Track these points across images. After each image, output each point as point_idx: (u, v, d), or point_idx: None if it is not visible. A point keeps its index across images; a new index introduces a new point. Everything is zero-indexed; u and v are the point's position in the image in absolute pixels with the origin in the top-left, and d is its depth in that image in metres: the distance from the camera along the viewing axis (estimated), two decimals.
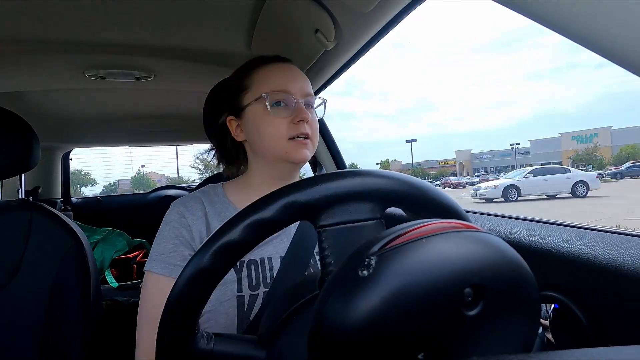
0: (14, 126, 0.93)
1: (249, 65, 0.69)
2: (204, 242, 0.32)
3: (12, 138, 0.92)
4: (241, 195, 0.69)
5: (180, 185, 2.63)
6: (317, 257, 0.66)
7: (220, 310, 0.58)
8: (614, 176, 22.46)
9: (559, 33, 0.34)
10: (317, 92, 1.26)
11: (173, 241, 0.61)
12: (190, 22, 0.89)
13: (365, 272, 0.23)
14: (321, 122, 1.39)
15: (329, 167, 1.40)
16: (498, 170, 45.92)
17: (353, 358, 0.23)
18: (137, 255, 1.99)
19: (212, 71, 1.11)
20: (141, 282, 0.60)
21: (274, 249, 0.64)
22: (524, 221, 0.72)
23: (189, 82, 1.29)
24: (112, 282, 1.83)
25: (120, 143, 2.40)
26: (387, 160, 58.24)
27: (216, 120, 0.72)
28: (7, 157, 0.91)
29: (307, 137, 0.64)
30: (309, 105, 0.67)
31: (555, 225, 0.66)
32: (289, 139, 0.63)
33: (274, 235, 0.64)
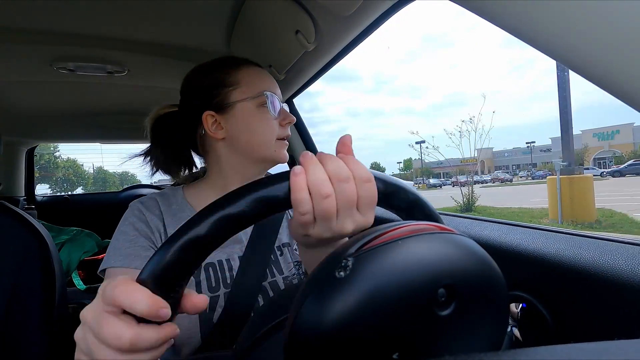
0: None
1: (231, 62, 0.68)
2: (171, 234, 0.30)
3: None
4: (202, 197, 0.68)
5: (153, 184, 2.55)
6: (278, 253, 0.68)
7: (181, 315, 0.57)
8: (613, 174, 23.45)
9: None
10: (296, 93, 1.26)
11: (132, 233, 0.60)
12: (168, 17, 0.87)
13: (342, 273, 0.23)
14: (299, 120, 1.40)
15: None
16: (520, 168, 47.04)
17: (328, 359, 0.23)
18: None
19: (189, 69, 1.09)
20: None
21: (231, 250, 0.65)
22: (495, 224, 0.75)
23: (165, 79, 1.26)
24: (80, 285, 1.75)
25: (90, 140, 2.30)
26: (410, 159, 57.84)
27: (188, 116, 0.69)
28: None
29: (285, 138, 0.68)
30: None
31: (525, 228, 0.69)
32: (278, 139, 0.66)
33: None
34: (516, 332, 0.58)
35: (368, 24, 0.76)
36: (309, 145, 1.42)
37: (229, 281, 0.61)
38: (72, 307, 1.43)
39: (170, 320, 0.30)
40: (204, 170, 0.79)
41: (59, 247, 1.84)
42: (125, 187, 2.44)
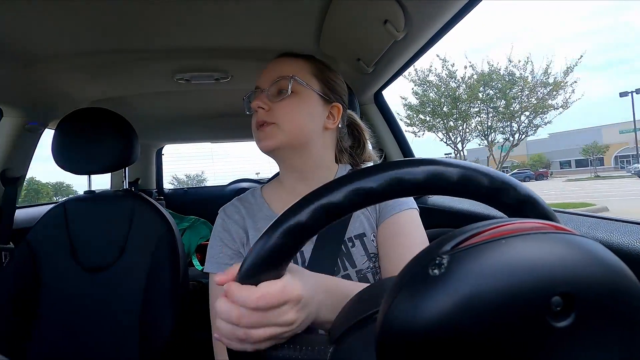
0: (120, 127, 1.08)
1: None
2: (271, 223, 0.33)
3: (120, 138, 1.07)
4: (275, 195, 0.73)
5: (254, 178, 2.80)
6: (349, 244, 0.65)
7: None
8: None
9: None
10: (386, 85, 1.23)
11: (219, 244, 0.68)
12: (262, 24, 0.94)
13: (436, 271, 0.22)
14: (388, 113, 1.36)
15: (394, 155, 1.37)
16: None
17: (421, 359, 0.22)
18: None
19: None
20: None
21: None
22: (630, 224, 0.62)
23: None
24: (197, 266, 2.03)
25: (203, 139, 2.63)
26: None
27: None
28: (116, 153, 1.06)
29: (263, 124, 0.64)
30: (284, 91, 0.66)
31: None
32: (256, 130, 0.66)
33: None
34: None
35: (462, 5, 0.70)
36: (402, 143, 1.37)
37: None
38: (192, 284, 1.67)
39: None
40: None
41: (181, 232, 2.16)
42: (231, 181, 2.74)
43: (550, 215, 0.32)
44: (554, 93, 12.58)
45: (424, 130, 14.22)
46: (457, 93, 13.43)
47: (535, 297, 0.21)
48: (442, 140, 14.48)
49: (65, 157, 1.03)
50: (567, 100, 12.40)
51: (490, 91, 13.59)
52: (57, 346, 0.97)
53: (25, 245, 1.01)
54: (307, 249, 0.64)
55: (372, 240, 0.66)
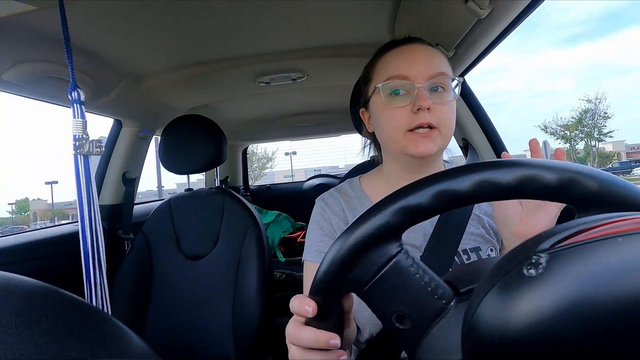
0: (212, 131, 1.20)
1: (375, 54, 0.67)
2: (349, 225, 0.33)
3: (212, 140, 1.19)
4: (375, 187, 0.70)
5: (329, 174, 2.86)
6: (464, 257, 0.60)
7: (366, 307, 0.59)
8: None
9: None
10: (468, 69, 1.14)
11: (320, 232, 0.67)
12: (335, 19, 0.94)
13: (532, 270, 0.20)
14: (473, 100, 1.25)
15: (485, 152, 1.25)
16: None
17: None
18: (299, 236, 2.28)
19: (358, 64, 1.15)
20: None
21: (412, 249, 0.61)
22: None
23: (337, 77, 1.37)
24: (281, 257, 2.15)
25: (283, 138, 2.78)
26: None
27: (356, 112, 0.75)
28: (209, 155, 1.18)
29: (429, 127, 0.57)
30: (439, 88, 0.58)
31: None
32: (408, 130, 0.57)
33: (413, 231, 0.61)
34: None
35: None
36: (489, 132, 1.25)
37: None
38: (277, 273, 1.78)
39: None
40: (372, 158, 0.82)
41: (265, 226, 2.31)
42: (309, 177, 2.84)
43: None
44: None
45: None
46: None
47: None
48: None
49: (170, 160, 1.18)
50: None
51: None
52: (166, 328, 1.12)
53: (142, 235, 1.19)
54: (417, 256, 0.61)
55: (488, 256, 0.62)
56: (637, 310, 0.17)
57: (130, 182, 1.40)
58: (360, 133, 0.83)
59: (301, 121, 2.12)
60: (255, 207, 2.22)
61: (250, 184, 2.86)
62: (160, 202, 1.26)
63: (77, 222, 1.36)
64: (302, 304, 0.33)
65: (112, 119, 1.35)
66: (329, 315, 0.35)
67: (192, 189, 1.28)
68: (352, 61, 1.17)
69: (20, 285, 0.25)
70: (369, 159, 0.84)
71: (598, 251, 0.19)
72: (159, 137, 1.28)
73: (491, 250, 0.63)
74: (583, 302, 0.18)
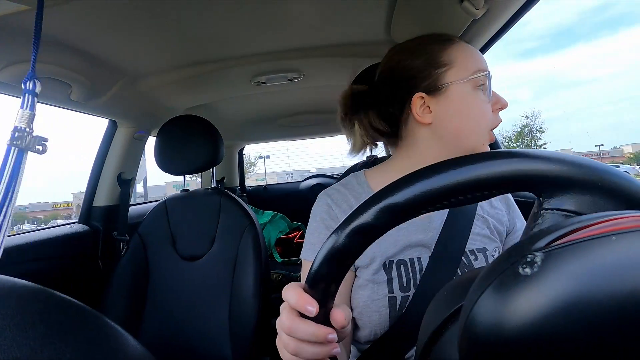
0: (208, 131, 1.20)
1: (441, 39, 0.61)
2: (340, 222, 0.33)
3: (208, 141, 1.18)
4: (384, 182, 0.64)
5: (326, 174, 2.86)
6: (472, 257, 0.60)
7: (372, 308, 0.58)
8: None
9: None
10: None
11: (324, 232, 0.63)
12: (330, 20, 0.94)
13: (527, 269, 0.20)
14: None
15: None
16: None
17: None
18: (296, 236, 2.28)
19: (353, 63, 1.15)
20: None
21: (421, 250, 0.61)
22: None
23: (334, 77, 1.37)
24: (277, 258, 2.15)
25: (279, 138, 2.77)
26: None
27: (391, 98, 0.64)
28: (205, 155, 1.18)
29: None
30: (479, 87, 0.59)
31: None
32: (491, 129, 0.59)
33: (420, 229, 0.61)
34: None
35: None
36: None
37: (418, 282, 0.58)
38: (274, 274, 1.78)
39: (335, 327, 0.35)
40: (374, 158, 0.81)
41: (262, 226, 2.31)
42: (305, 177, 2.84)
43: None
44: None
45: None
46: None
47: None
48: None
49: (165, 161, 1.18)
50: None
51: None
52: (162, 329, 1.11)
53: (137, 236, 1.18)
54: (424, 256, 0.60)
55: (493, 257, 0.62)
56: (631, 308, 0.18)
57: (125, 183, 1.39)
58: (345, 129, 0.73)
59: (298, 121, 2.11)
60: (252, 208, 2.22)
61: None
62: (157, 203, 1.26)
63: (71, 223, 1.35)
64: (303, 302, 0.33)
65: (107, 120, 1.34)
66: (326, 307, 0.34)
67: (187, 190, 1.28)
68: (348, 61, 1.17)
69: (14, 288, 0.25)
70: (365, 159, 0.83)
71: (592, 249, 0.19)
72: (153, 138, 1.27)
73: (495, 251, 0.63)
74: (578, 301, 0.18)
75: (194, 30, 0.92)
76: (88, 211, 1.37)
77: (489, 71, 0.58)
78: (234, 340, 1.05)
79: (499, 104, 0.58)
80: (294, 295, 0.34)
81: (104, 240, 1.34)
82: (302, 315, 0.34)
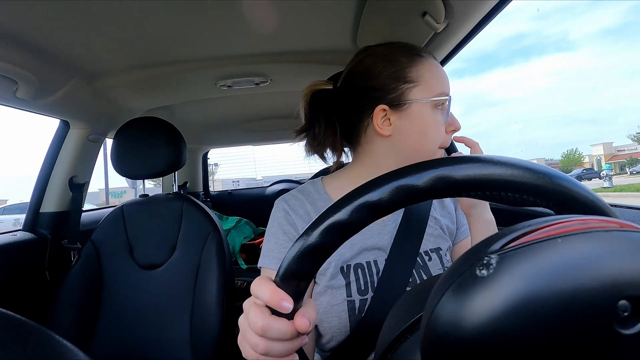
0: (170, 134, 1.15)
1: (412, 53, 0.61)
2: (313, 220, 0.32)
3: (170, 144, 1.14)
4: (340, 188, 0.66)
5: (292, 179, 2.85)
6: (426, 258, 0.63)
7: (332, 314, 0.58)
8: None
9: None
10: None
11: (282, 237, 0.62)
12: (299, 26, 0.95)
13: (484, 271, 0.21)
14: None
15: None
16: None
17: None
18: (261, 242, 2.24)
19: (321, 70, 1.17)
20: None
21: (377, 253, 0.62)
22: None
23: (301, 83, 1.38)
24: (242, 265, 2.10)
25: (245, 142, 2.73)
26: None
27: (354, 104, 0.64)
28: (167, 159, 1.13)
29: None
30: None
31: None
32: (439, 147, 0.61)
33: (378, 230, 0.62)
34: None
35: None
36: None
37: (376, 285, 0.59)
38: (238, 281, 1.74)
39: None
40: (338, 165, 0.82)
41: (226, 232, 2.25)
42: (271, 182, 2.81)
43: (608, 211, 0.29)
44: None
45: None
46: None
47: (598, 300, 0.19)
48: None
49: (123, 164, 1.11)
50: None
51: None
52: (118, 342, 1.05)
53: (91, 244, 1.11)
54: (381, 259, 0.61)
55: (446, 256, 0.65)
56: (574, 305, 0.19)
57: (77, 187, 1.31)
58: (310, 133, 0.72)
59: (264, 126, 2.09)
60: (216, 213, 2.15)
61: None
62: (112, 209, 1.19)
63: (14, 231, 1.24)
64: (279, 298, 0.31)
65: (58, 120, 1.25)
66: (297, 304, 0.33)
67: (147, 195, 1.22)
68: (316, 68, 1.18)
69: None
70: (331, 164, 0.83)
71: (541, 251, 0.21)
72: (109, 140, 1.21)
73: (448, 249, 0.67)
74: (529, 300, 0.19)
75: (156, 29, 0.88)
76: (34, 218, 1.26)
77: (450, 96, 0.60)
78: (196, 350, 1.01)
79: (453, 126, 0.61)
80: (266, 290, 0.31)
81: (52, 249, 1.24)
82: (274, 312, 0.32)
